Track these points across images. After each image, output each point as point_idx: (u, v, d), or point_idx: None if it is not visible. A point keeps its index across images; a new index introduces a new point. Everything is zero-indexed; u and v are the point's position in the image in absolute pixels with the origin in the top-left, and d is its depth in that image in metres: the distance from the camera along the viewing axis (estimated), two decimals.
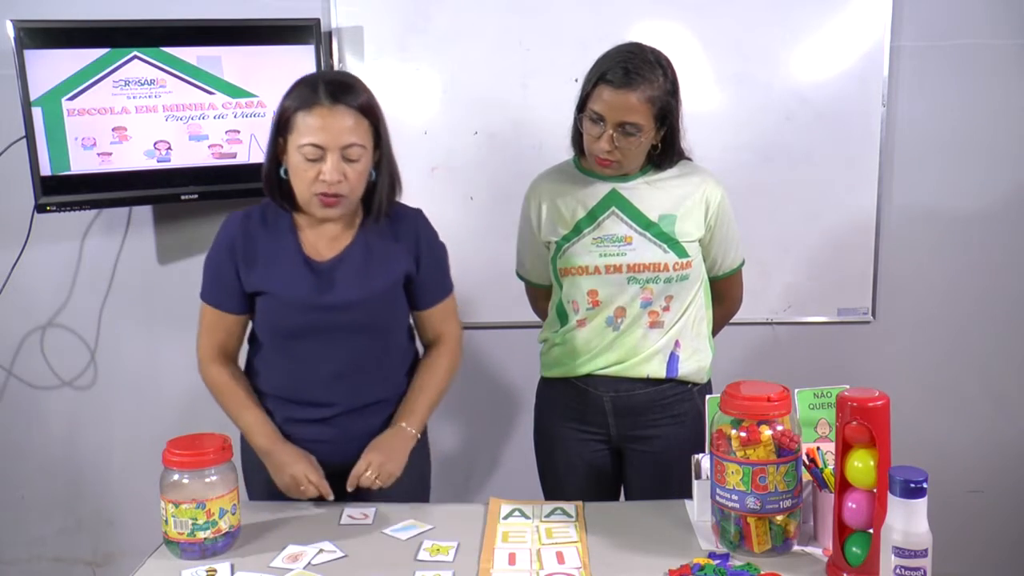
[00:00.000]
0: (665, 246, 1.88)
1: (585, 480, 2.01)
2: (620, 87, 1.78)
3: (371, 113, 1.68)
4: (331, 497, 1.71)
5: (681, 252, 1.88)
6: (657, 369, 1.93)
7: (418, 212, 1.85)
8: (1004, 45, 2.60)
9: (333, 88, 1.65)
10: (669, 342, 1.93)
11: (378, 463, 1.73)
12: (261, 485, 1.80)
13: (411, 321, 1.91)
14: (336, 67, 2.63)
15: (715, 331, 2.07)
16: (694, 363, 1.95)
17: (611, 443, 2.00)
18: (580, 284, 1.92)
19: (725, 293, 2.06)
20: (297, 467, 1.72)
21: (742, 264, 2.04)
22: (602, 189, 1.92)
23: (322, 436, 1.80)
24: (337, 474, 1.82)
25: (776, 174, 2.63)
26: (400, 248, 1.79)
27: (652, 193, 1.91)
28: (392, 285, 1.79)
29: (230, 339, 1.82)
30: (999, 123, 2.64)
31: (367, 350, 1.79)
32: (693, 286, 1.94)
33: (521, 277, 2.15)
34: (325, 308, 1.73)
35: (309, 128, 1.63)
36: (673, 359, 1.93)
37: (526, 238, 2.05)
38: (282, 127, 1.68)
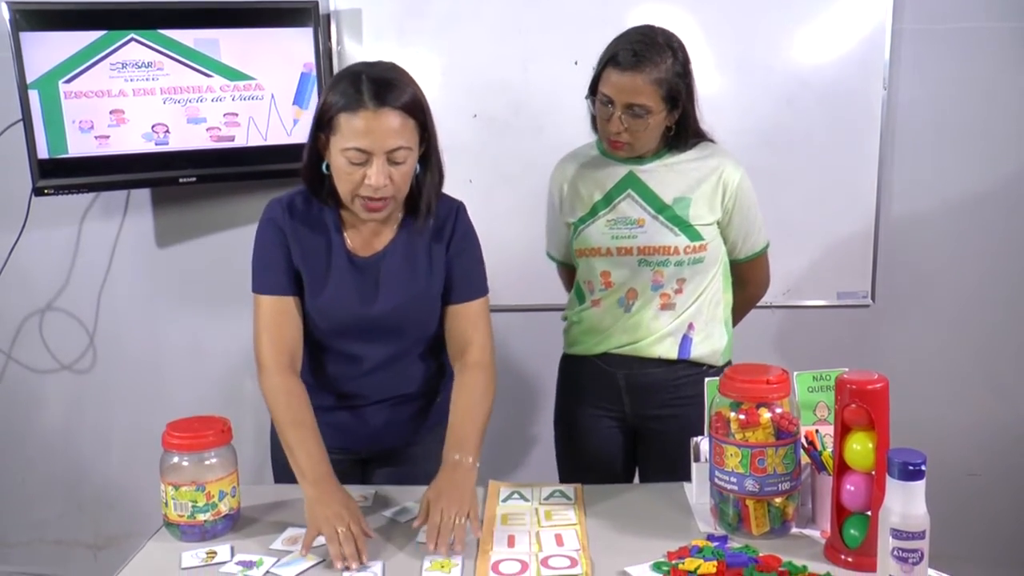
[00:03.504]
0: (677, 229, 1.88)
1: (601, 457, 2.03)
2: (627, 69, 1.78)
3: (418, 110, 1.58)
4: (365, 559, 1.47)
5: (694, 235, 1.88)
6: (669, 351, 1.94)
7: (459, 205, 1.77)
8: (1005, 28, 2.58)
9: (378, 88, 1.53)
10: (682, 324, 1.94)
11: (451, 513, 1.51)
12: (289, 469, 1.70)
13: None
14: (334, 51, 2.62)
15: (739, 315, 2.09)
16: (708, 346, 1.96)
17: (626, 421, 2.03)
18: (594, 265, 1.95)
19: (748, 277, 2.06)
20: (344, 515, 1.49)
21: (765, 247, 2.04)
22: (619, 171, 1.93)
23: (346, 423, 1.79)
24: (359, 460, 1.85)
25: (776, 158, 2.62)
26: (440, 242, 1.74)
27: (668, 175, 1.91)
28: (434, 285, 1.74)
29: (291, 331, 1.68)
30: (1000, 106, 2.63)
31: (405, 347, 1.76)
32: (709, 270, 1.94)
33: (551, 257, 2.18)
34: (368, 316, 1.69)
35: (354, 132, 1.53)
36: (686, 341, 1.94)
37: (551, 218, 2.09)
38: (324, 124, 1.58)
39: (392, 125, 1.54)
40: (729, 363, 2.01)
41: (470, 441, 1.64)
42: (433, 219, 1.72)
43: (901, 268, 2.72)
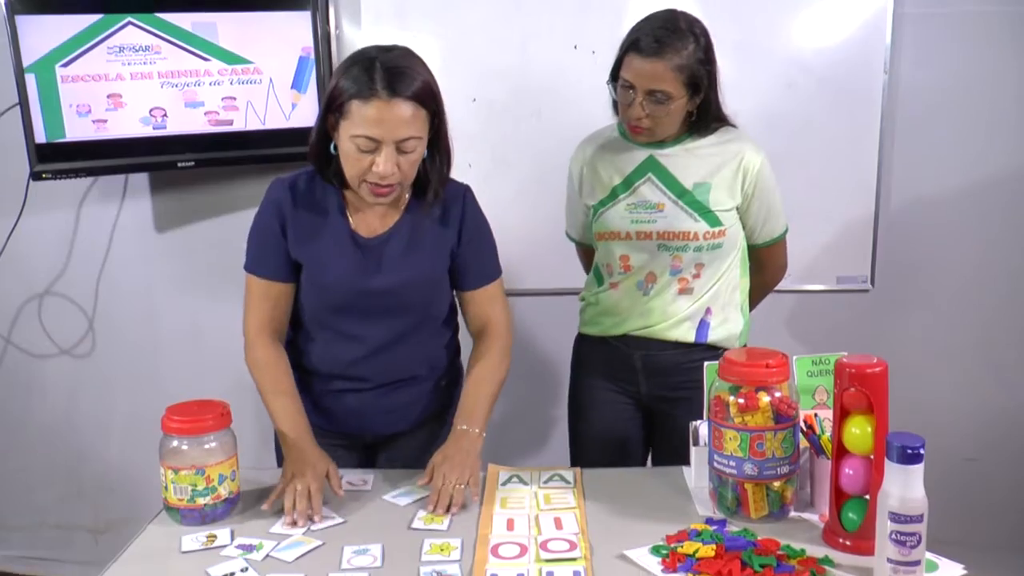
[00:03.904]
0: (696, 215, 1.88)
1: (615, 434, 2.04)
2: (649, 56, 1.78)
3: (429, 100, 1.59)
4: (317, 519, 1.55)
5: (713, 221, 1.88)
6: (686, 335, 1.95)
7: (466, 189, 1.79)
8: (1007, 11, 2.56)
9: (391, 77, 1.53)
10: (700, 309, 1.94)
11: (454, 479, 1.60)
12: None
13: (453, 298, 1.85)
14: (332, 34, 2.60)
15: (756, 300, 2.10)
16: (724, 331, 1.97)
17: (641, 402, 2.04)
18: (613, 249, 1.95)
19: (766, 262, 2.07)
20: (306, 473, 1.58)
21: (784, 233, 2.04)
22: (640, 156, 1.93)
23: (356, 407, 1.80)
24: (370, 445, 1.87)
25: (776, 142, 2.59)
26: (446, 226, 1.75)
27: (689, 160, 1.91)
28: (437, 267, 1.75)
29: (278, 313, 1.73)
30: (1002, 90, 2.62)
31: (407, 328, 1.76)
32: (728, 255, 1.94)
33: (571, 237, 2.19)
34: (370, 290, 1.70)
35: (365, 120, 1.54)
36: (703, 326, 1.95)
37: (571, 200, 2.10)
38: (334, 107, 1.58)
39: (404, 115, 1.55)
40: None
41: (479, 412, 1.71)
42: (440, 203, 1.73)
43: (901, 253, 2.71)
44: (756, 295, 2.09)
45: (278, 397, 1.69)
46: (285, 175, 1.73)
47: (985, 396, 2.80)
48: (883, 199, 2.65)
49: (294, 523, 1.53)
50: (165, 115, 2.51)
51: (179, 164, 2.55)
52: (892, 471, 1.27)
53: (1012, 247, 2.72)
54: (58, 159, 2.44)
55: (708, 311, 1.95)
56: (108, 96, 2.45)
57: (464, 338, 1.91)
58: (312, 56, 2.56)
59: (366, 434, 1.85)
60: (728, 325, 1.98)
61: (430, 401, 1.85)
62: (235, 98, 2.54)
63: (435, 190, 1.70)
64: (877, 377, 1.36)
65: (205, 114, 2.53)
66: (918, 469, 1.26)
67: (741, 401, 1.48)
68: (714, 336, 1.96)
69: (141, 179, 2.75)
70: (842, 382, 1.39)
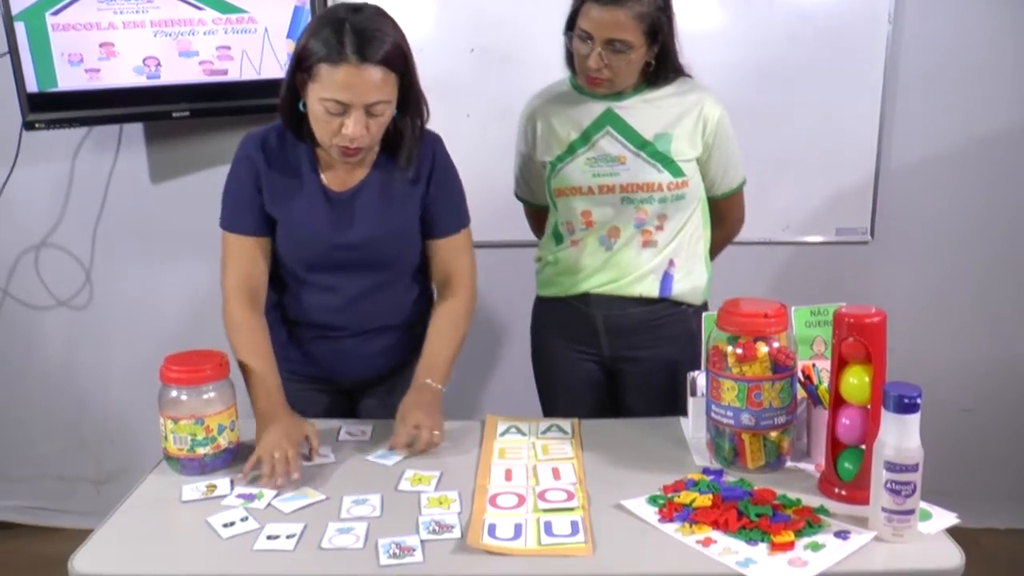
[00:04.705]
0: (660, 165, 1.85)
1: (580, 399, 2.02)
2: (607, 4, 1.73)
3: (399, 62, 1.58)
4: (295, 477, 1.51)
5: (676, 172, 1.86)
6: (650, 288, 1.92)
7: (436, 138, 1.79)
8: None
9: (361, 41, 1.52)
10: (663, 262, 1.92)
11: (429, 426, 1.63)
12: None
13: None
14: None
15: (715, 253, 2.06)
16: (688, 283, 1.94)
17: (604, 363, 2.01)
18: (573, 205, 1.91)
19: (725, 214, 2.04)
20: (282, 443, 1.54)
21: (742, 184, 2.02)
22: (597, 108, 1.89)
23: (333, 354, 1.82)
24: (344, 391, 1.90)
25: (777, 93, 2.58)
26: (416, 177, 1.75)
27: (648, 111, 1.87)
28: (409, 218, 1.76)
29: (257, 269, 1.72)
30: (1006, 43, 2.58)
31: (381, 279, 1.78)
32: (689, 206, 1.92)
33: (520, 198, 2.13)
34: (343, 244, 1.71)
35: (334, 84, 1.53)
36: (667, 279, 1.92)
37: (523, 158, 2.03)
38: (303, 67, 1.58)
39: (373, 80, 1.55)
40: (706, 304, 2.00)
41: (440, 367, 1.74)
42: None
43: (901, 205, 2.69)
44: (715, 249, 2.06)
45: (252, 357, 1.67)
46: (255, 130, 1.74)
47: (983, 348, 2.81)
48: (884, 151, 2.63)
49: (271, 487, 1.50)
50: (159, 65, 2.48)
51: (174, 114, 2.53)
52: (889, 420, 1.28)
53: (1011, 201, 2.71)
54: (51, 109, 2.41)
55: (671, 263, 1.92)
56: (100, 45, 2.42)
57: None
58: (307, 5, 2.52)
59: (344, 380, 1.87)
60: (692, 277, 1.95)
61: (405, 348, 1.86)
62: (230, 48, 2.51)
63: (409, 151, 1.70)
64: (876, 327, 1.36)
65: (200, 64, 2.50)
66: (915, 419, 1.27)
67: (739, 351, 1.48)
68: (678, 289, 1.93)
69: (136, 130, 2.72)
70: (841, 332, 1.39)
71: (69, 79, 2.41)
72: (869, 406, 1.39)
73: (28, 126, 2.41)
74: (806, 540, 1.29)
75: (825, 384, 1.51)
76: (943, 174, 2.69)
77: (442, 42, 2.60)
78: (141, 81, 2.47)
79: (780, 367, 1.48)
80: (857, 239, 2.70)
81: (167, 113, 2.52)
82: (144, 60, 2.46)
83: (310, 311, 1.79)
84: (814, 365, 1.59)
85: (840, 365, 1.42)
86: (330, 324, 1.79)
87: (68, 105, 2.43)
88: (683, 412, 1.72)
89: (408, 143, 1.70)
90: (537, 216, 2.13)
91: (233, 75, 2.53)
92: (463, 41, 2.59)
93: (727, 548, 1.28)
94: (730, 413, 1.49)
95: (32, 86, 2.38)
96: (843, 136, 2.63)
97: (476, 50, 2.60)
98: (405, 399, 1.69)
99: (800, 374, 1.55)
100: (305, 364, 1.83)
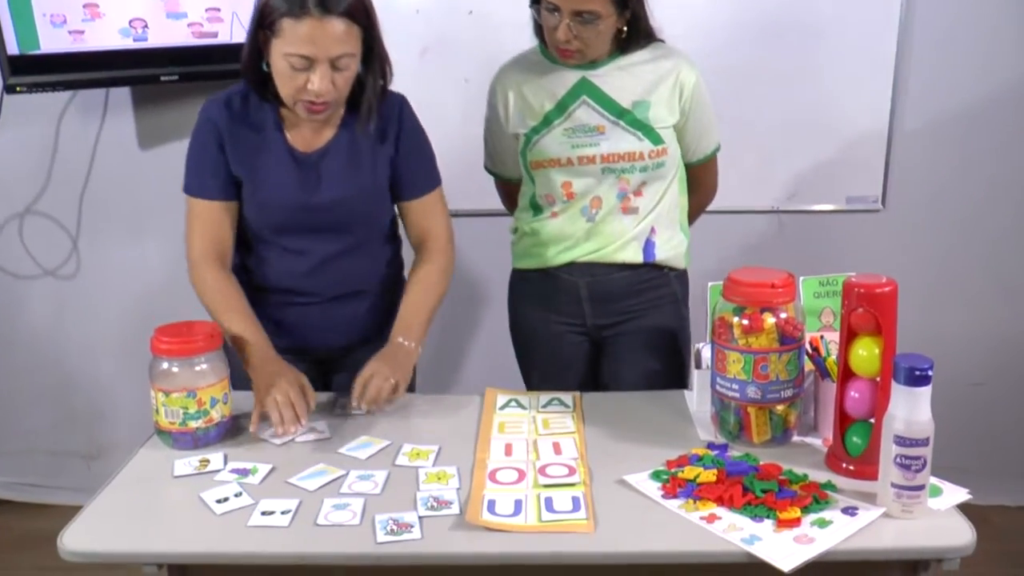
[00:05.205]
0: (640, 134, 1.82)
1: (563, 373, 1.99)
2: None
3: (362, 15, 1.59)
4: (304, 422, 1.56)
5: (656, 139, 1.82)
6: (633, 255, 1.89)
7: (402, 99, 1.78)
8: None
9: None
10: (645, 228, 1.89)
11: (385, 374, 1.63)
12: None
13: (396, 212, 1.85)
14: None
15: (691, 220, 2.03)
16: (670, 248, 1.92)
17: (588, 333, 1.98)
18: (553, 177, 1.87)
19: (700, 180, 2.00)
20: (280, 383, 1.57)
21: (717, 149, 1.98)
22: (571, 77, 1.84)
23: (305, 320, 1.80)
24: (322, 360, 1.86)
25: (785, 54, 2.53)
26: (384, 138, 1.74)
27: (624, 79, 1.83)
28: (378, 179, 1.75)
29: (223, 234, 1.72)
30: (1021, 7, 2.52)
31: (351, 242, 1.76)
32: (668, 173, 1.88)
33: (490, 171, 2.08)
34: (311, 205, 1.70)
35: (298, 38, 1.54)
36: (649, 245, 1.90)
37: (494, 131, 1.98)
38: (265, 24, 1.57)
39: (337, 32, 1.55)
40: (686, 271, 1.99)
41: (416, 326, 1.74)
42: (377, 117, 1.72)
43: (913, 173, 2.64)
44: (691, 217, 2.03)
45: (233, 315, 1.67)
46: (216, 94, 1.72)
47: (994, 320, 2.77)
48: (897, 116, 2.58)
49: (285, 433, 1.55)
50: (146, 26, 2.41)
51: (162, 78, 2.47)
52: (899, 393, 1.25)
53: None
54: (33, 72, 2.35)
55: (653, 230, 1.89)
56: (84, 6, 2.35)
57: (408, 253, 1.89)
58: None
59: (318, 348, 1.83)
60: (674, 243, 1.93)
61: (378, 314, 1.84)
62: (219, 9, 2.44)
63: (370, 105, 1.69)
64: (886, 297, 1.33)
65: (188, 25, 2.43)
66: (926, 391, 1.24)
67: (745, 322, 1.45)
68: (661, 255, 1.90)
69: (123, 94, 2.66)
70: (850, 302, 1.36)
71: (52, 41, 2.34)
72: (878, 379, 1.36)
73: (9, 89, 2.35)
74: (813, 516, 1.27)
75: (833, 356, 1.49)
76: (957, 141, 2.64)
77: (439, 3, 2.55)
78: (127, 43, 2.41)
79: (787, 338, 1.45)
80: (868, 207, 2.65)
81: (155, 77, 2.46)
82: (130, 22, 2.39)
83: (277, 276, 1.77)
84: (822, 336, 1.56)
85: (849, 336, 1.39)
86: (298, 289, 1.77)
87: (51, 68, 2.36)
88: (673, 382, 1.69)
89: (368, 97, 1.68)
90: (508, 189, 2.08)
91: (223, 37, 2.46)
92: (462, 4, 2.54)
93: (732, 525, 1.26)
94: (735, 386, 1.46)
95: (13, 48, 2.31)
96: (855, 101, 2.58)
97: (475, 12, 2.55)
98: (377, 355, 1.68)
99: (808, 346, 1.52)
100: (273, 335, 1.75)
